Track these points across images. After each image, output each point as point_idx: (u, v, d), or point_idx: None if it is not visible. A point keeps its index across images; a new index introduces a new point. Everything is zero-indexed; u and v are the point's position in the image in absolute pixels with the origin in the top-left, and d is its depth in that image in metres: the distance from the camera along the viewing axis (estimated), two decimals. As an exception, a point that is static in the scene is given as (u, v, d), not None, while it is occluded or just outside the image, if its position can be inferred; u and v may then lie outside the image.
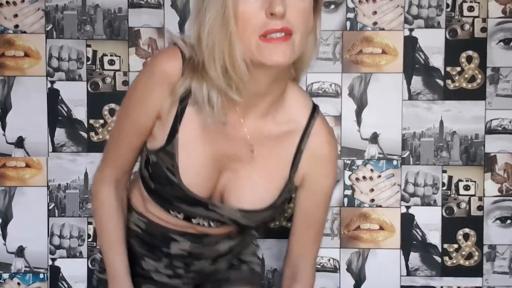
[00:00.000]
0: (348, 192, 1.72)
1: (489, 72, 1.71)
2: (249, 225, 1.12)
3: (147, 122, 1.05)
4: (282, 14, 0.88)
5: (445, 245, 1.73)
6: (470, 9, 1.70)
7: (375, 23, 1.71)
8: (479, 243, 1.73)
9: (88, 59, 1.72)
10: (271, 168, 1.07)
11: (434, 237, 1.72)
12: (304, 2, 0.92)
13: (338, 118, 1.71)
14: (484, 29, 1.70)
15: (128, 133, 1.08)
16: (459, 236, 1.73)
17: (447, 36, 1.71)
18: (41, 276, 1.74)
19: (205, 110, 0.97)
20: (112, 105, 1.72)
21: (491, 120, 1.71)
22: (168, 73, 1.00)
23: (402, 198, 1.72)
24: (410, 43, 1.71)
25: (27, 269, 1.74)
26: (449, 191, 1.72)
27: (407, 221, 1.72)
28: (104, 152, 1.14)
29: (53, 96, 1.72)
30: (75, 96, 1.72)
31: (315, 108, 1.10)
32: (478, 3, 1.70)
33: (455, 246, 1.73)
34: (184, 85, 0.98)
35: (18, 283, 1.74)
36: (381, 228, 1.72)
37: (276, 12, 0.87)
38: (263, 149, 1.04)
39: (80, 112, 1.72)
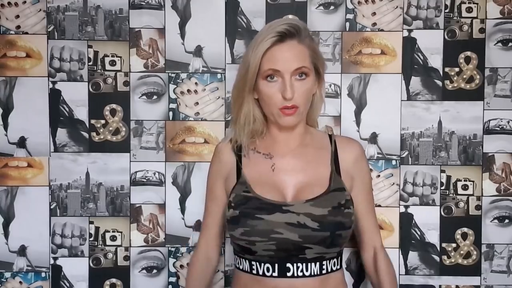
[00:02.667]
0: (348, 191, 1.73)
1: (487, 72, 1.72)
2: (325, 222, 1.34)
3: (218, 188, 1.50)
4: (291, 98, 1.34)
5: (444, 244, 1.74)
6: (469, 10, 1.71)
7: (374, 24, 1.72)
8: (477, 242, 1.74)
9: (89, 59, 1.72)
10: (315, 167, 1.42)
11: (433, 236, 1.73)
12: (306, 84, 1.37)
13: (337, 118, 1.72)
14: (482, 30, 1.71)
15: (209, 205, 1.54)
16: (458, 235, 1.74)
17: (446, 37, 1.72)
18: (43, 275, 1.75)
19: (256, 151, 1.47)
20: (113, 106, 1.73)
21: (489, 120, 1.72)
22: (219, 149, 1.52)
23: (401, 198, 1.73)
24: (409, 44, 1.71)
25: (29, 268, 1.75)
26: (447, 191, 1.73)
27: (406, 220, 1.73)
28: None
29: (55, 97, 1.73)
30: (76, 97, 1.73)
31: (330, 135, 1.51)
32: (477, 4, 1.71)
33: (454, 245, 1.74)
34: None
35: (20, 282, 1.75)
36: (380, 228, 1.72)
37: (287, 98, 1.34)
38: (305, 155, 1.43)
39: (81, 113, 1.73)
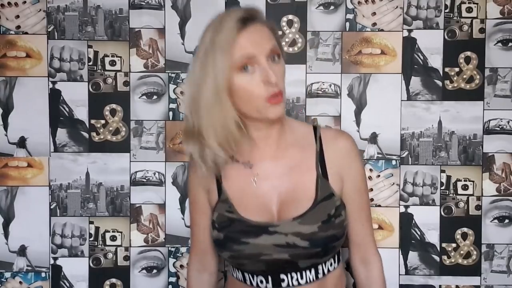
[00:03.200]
0: (348, 191, 1.72)
1: (487, 72, 1.72)
2: (315, 239, 1.24)
3: (203, 199, 1.37)
4: (276, 81, 1.18)
5: (444, 244, 1.74)
6: (469, 10, 1.71)
7: (374, 24, 1.72)
8: (477, 242, 1.74)
9: (89, 59, 1.72)
10: (299, 172, 1.28)
11: (433, 236, 1.73)
12: (281, 66, 1.24)
13: (337, 118, 1.72)
14: (482, 30, 1.71)
15: (196, 218, 1.41)
16: (458, 235, 1.74)
17: (446, 37, 1.71)
18: (43, 275, 1.75)
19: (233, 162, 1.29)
20: (113, 106, 1.73)
21: (489, 121, 1.72)
22: (195, 162, 1.30)
23: (401, 198, 1.73)
24: (409, 44, 1.71)
25: (29, 268, 1.75)
26: (447, 191, 1.73)
27: (406, 220, 1.73)
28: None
29: (55, 97, 1.73)
30: (76, 97, 1.73)
31: (315, 126, 1.35)
32: (477, 4, 1.71)
33: (454, 245, 1.74)
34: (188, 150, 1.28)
35: (20, 282, 1.75)
36: (380, 228, 1.73)
37: (273, 81, 1.18)
38: (287, 158, 1.30)
39: (81, 113, 1.73)
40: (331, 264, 1.33)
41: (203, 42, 1.23)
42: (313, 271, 1.29)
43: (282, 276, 1.28)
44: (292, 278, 1.28)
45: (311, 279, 1.29)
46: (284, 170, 1.29)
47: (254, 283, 1.30)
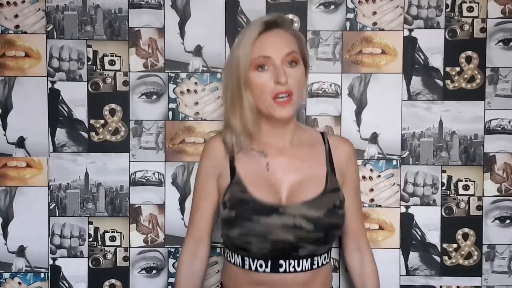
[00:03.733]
0: (348, 192, 1.72)
1: (488, 72, 1.71)
2: (319, 224, 1.35)
3: (211, 186, 1.46)
4: (285, 82, 1.31)
5: (445, 245, 1.73)
6: (470, 9, 1.70)
7: (374, 24, 1.71)
8: (478, 243, 1.73)
9: (88, 59, 1.72)
10: (312, 166, 1.41)
11: (434, 237, 1.73)
12: (298, 71, 1.36)
13: (337, 118, 1.72)
14: (483, 30, 1.70)
15: (200, 204, 1.49)
16: (458, 236, 1.73)
17: (447, 37, 1.71)
18: (42, 275, 1.75)
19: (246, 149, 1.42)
20: (113, 105, 1.73)
21: (490, 120, 1.72)
22: (211, 146, 1.47)
23: (402, 198, 1.73)
24: (410, 44, 1.71)
25: (28, 268, 1.75)
26: (448, 191, 1.73)
27: (407, 220, 1.73)
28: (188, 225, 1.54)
29: (54, 96, 1.72)
30: (75, 96, 1.72)
31: (322, 132, 1.50)
32: (478, 3, 1.70)
33: (455, 245, 1.73)
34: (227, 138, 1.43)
35: (19, 283, 1.75)
36: (381, 228, 1.73)
37: (281, 82, 1.31)
38: (300, 153, 1.42)
39: (80, 112, 1.72)
40: (325, 259, 1.42)
41: (235, 44, 1.41)
42: (309, 260, 1.38)
43: (281, 261, 1.36)
44: (290, 264, 1.36)
45: (307, 268, 1.38)
46: (297, 163, 1.41)
47: (253, 267, 1.37)
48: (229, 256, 1.43)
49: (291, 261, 1.36)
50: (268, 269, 1.36)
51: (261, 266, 1.36)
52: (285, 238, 1.33)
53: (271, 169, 1.40)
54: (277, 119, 1.37)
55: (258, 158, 1.41)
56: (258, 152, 1.42)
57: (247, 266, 1.38)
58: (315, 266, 1.39)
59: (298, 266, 1.36)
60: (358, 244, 1.54)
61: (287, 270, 1.36)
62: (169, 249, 1.74)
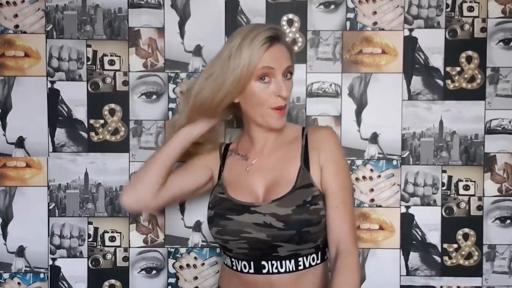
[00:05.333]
0: (348, 192, 1.72)
1: (488, 72, 1.71)
2: (289, 221, 1.33)
3: (195, 169, 1.52)
4: (287, 97, 1.38)
5: (445, 245, 1.73)
6: (470, 9, 1.70)
7: (375, 23, 1.71)
8: (479, 243, 1.73)
9: (88, 59, 1.72)
10: (285, 164, 1.41)
11: (434, 237, 1.73)
12: (291, 83, 1.41)
13: (338, 118, 1.71)
14: (484, 29, 1.70)
15: (178, 169, 1.53)
16: (459, 236, 1.73)
17: (447, 36, 1.71)
18: (42, 276, 1.74)
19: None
20: (112, 105, 1.72)
21: (491, 120, 1.71)
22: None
23: (402, 198, 1.73)
24: (410, 43, 1.71)
25: (28, 269, 1.74)
26: (448, 191, 1.72)
27: (407, 221, 1.72)
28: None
29: (53, 96, 1.72)
30: (75, 96, 1.72)
31: (304, 127, 1.49)
32: (478, 3, 1.70)
33: (455, 246, 1.73)
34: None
35: (19, 283, 1.74)
36: (381, 228, 1.72)
37: (284, 96, 1.37)
38: (278, 153, 1.44)
39: (80, 112, 1.72)
40: (313, 259, 1.39)
41: (229, 47, 1.37)
42: (293, 262, 1.37)
43: (263, 262, 1.37)
44: (272, 265, 1.37)
45: (291, 269, 1.37)
46: (273, 162, 1.44)
47: (239, 268, 1.40)
48: (224, 258, 1.48)
49: (273, 262, 1.36)
50: (252, 270, 1.38)
51: (245, 267, 1.39)
52: (258, 237, 1.35)
53: (250, 171, 1.44)
54: (271, 129, 1.42)
55: (240, 162, 1.48)
56: (241, 156, 1.49)
57: (234, 267, 1.41)
58: (300, 267, 1.37)
59: (282, 267, 1.36)
60: (337, 237, 1.34)
61: (271, 271, 1.37)
62: (169, 249, 1.74)
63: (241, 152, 1.50)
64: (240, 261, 1.40)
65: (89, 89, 1.72)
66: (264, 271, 1.37)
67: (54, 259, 1.74)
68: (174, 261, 1.74)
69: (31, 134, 1.72)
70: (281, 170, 1.41)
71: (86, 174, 1.73)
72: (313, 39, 1.71)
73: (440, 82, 1.71)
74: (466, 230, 1.73)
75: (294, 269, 1.37)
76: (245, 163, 1.47)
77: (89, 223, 1.74)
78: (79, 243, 1.74)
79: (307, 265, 1.38)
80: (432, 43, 1.70)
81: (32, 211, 1.73)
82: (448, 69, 1.71)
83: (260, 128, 1.44)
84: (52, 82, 1.72)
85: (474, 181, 1.72)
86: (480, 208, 1.72)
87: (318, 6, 1.71)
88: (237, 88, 1.36)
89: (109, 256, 1.74)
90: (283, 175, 1.40)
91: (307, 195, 1.36)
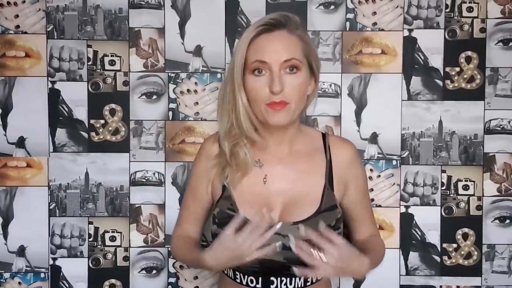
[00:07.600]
0: (348, 192, 1.72)
1: (488, 72, 1.71)
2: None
3: (202, 188, 1.38)
4: (279, 92, 1.21)
5: (444, 245, 1.73)
6: (469, 9, 1.71)
7: (374, 24, 1.71)
8: (478, 243, 1.73)
9: (88, 59, 1.72)
10: (307, 179, 1.30)
11: (433, 237, 1.73)
12: (298, 78, 1.24)
13: (337, 118, 1.72)
14: (483, 30, 1.71)
15: (190, 203, 1.42)
16: (458, 236, 1.73)
17: (446, 37, 1.71)
18: (42, 275, 1.75)
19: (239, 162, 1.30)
20: (113, 105, 1.73)
21: (490, 120, 1.72)
22: (207, 147, 1.38)
23: (402, 198, 1.73)
24: (410, 44, 1.71)
25: (28, 268, 1.75)
26: (448, 191, 1.73)
27: (407, 220, 1.73)
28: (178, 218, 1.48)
29: (54, 96, 1.72)
30: (76, 96, 1.72)
31: (324, 133, 1.39)
32: (477, 3, 1.70)
33: (454, 245, 1.73)
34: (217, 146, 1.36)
35: (19, 283, 1.75)
36: (381, 228, 1.72)
37: (274, 91, 1.21)
38: (299, 164, 1.32)
39: (80, 112, 1.73)
40: None
41: (236, 41, 1.32)
42: (302, 278, 1.30)
43: (272, 278, 1.29)
44: (281, 282, 1.29)
45: (300, 286, 1.31)
46: (293, 175, 1.31)
47: (244, 282, 1.31)
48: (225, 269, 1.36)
49: (283, 278, 1.28)
50: (259, 285, 1.29)
51: (251, 281, 1.30)
52: (275, 259, 1.24)
53: (268, 182, 1.30)
54: (271, 126, 1.27)
55: (253, 169, 1.31)
56: (255, 162, 1.32)
57: (238, 280, 1.32)
58: (308, 284, 1.31)
59: (291, 284, 1.29)
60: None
61: (279, 287, 1.29)
62: (169, 249, 1.74)
63: (254, 156, 1.32)
64: (246, 276, 1.30)
65: (90, 89, 1.73)
66: (273, 286, 1.29)
67: (54, 259, 1.75)
68: (174, 261, 1.74)
69: (32, 134, 1.73)
70: (303, 185, 1.29)
71: (87, 174, 1.73)
72: (313, 39, 1.71)
73: (440, 82, 1.72)
74: (466, 230, 1.73)
75: (303, 285, 1.31)
76: (259, 171, 1.30)
77: (90, 223, 1.74)
78: (79, 242, 1.74)
79: (314, 280, 1.32)
80: (432, 44, 1.71)
81: (32, 211, 1.73)
82: (447, 69, 1.71)
83: (271, 128, 1.29)
84: (53, 82, 1.72)
85: (474, 181, 1.72)
86: (479, 208, 1.73)
87: (318, 7, 1.71)
88: (235, 80, 1.25)
89: (109, 255, 1.75)
90: (306, 193, 1.29)
91: (331, 219, 1.28)
